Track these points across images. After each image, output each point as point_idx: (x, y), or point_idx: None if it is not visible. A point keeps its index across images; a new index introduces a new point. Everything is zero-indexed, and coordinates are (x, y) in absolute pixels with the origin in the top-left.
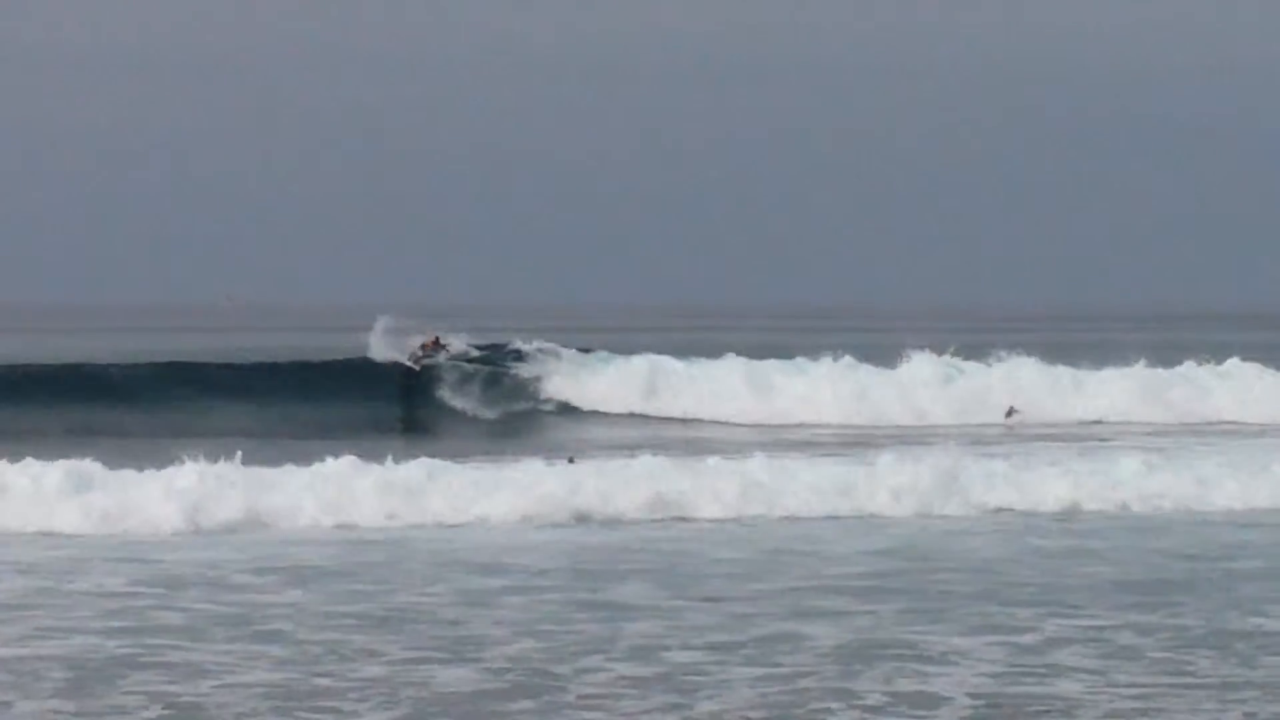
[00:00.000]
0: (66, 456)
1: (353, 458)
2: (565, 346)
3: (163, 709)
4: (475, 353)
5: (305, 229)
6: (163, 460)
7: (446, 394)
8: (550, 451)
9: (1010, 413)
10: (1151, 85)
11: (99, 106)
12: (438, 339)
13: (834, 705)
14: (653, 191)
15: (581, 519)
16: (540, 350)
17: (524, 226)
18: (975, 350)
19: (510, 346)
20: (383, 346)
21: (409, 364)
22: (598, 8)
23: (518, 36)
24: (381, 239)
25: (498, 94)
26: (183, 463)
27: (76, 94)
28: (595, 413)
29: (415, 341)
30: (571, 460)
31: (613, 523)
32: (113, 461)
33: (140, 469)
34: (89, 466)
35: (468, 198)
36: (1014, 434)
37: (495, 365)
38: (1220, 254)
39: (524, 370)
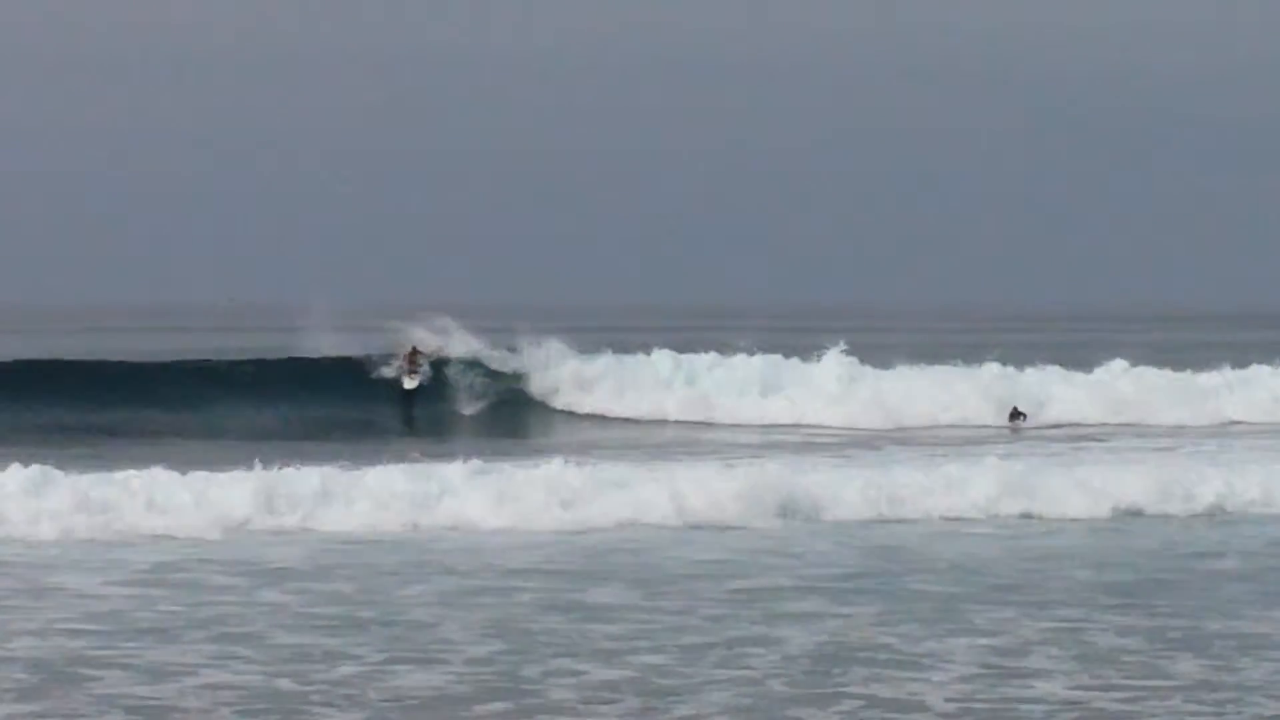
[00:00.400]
0: (50, 455)
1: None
2: (565, 346)
3: (124, 714)
4: (475, 345)
5: (306, 229)
6: (157, 459)
7: (441, 394)
8: (544, 453)
9: (1014, 415)
10: (1156, 84)
11: (100, 106)
12: (415, 349)
13: (807, 710)
14: (653, 191)
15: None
16: (539, 349)
17: (524, 226)
18: (978, 351)
19: (507, 345)
20: (328, 341)
21: (406, 386)
22: (598, 8)
23: (518, 37)
24: (382, 239)
25: (498, 94)
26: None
27: (77, 94)
28: (589, 413)
29: (398, 357)
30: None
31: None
32: (83, 463)
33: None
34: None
35: (469, 198)
36: (1019, 437)
37: (490, 365)
38: (1225, 255)
39: (522, 369)
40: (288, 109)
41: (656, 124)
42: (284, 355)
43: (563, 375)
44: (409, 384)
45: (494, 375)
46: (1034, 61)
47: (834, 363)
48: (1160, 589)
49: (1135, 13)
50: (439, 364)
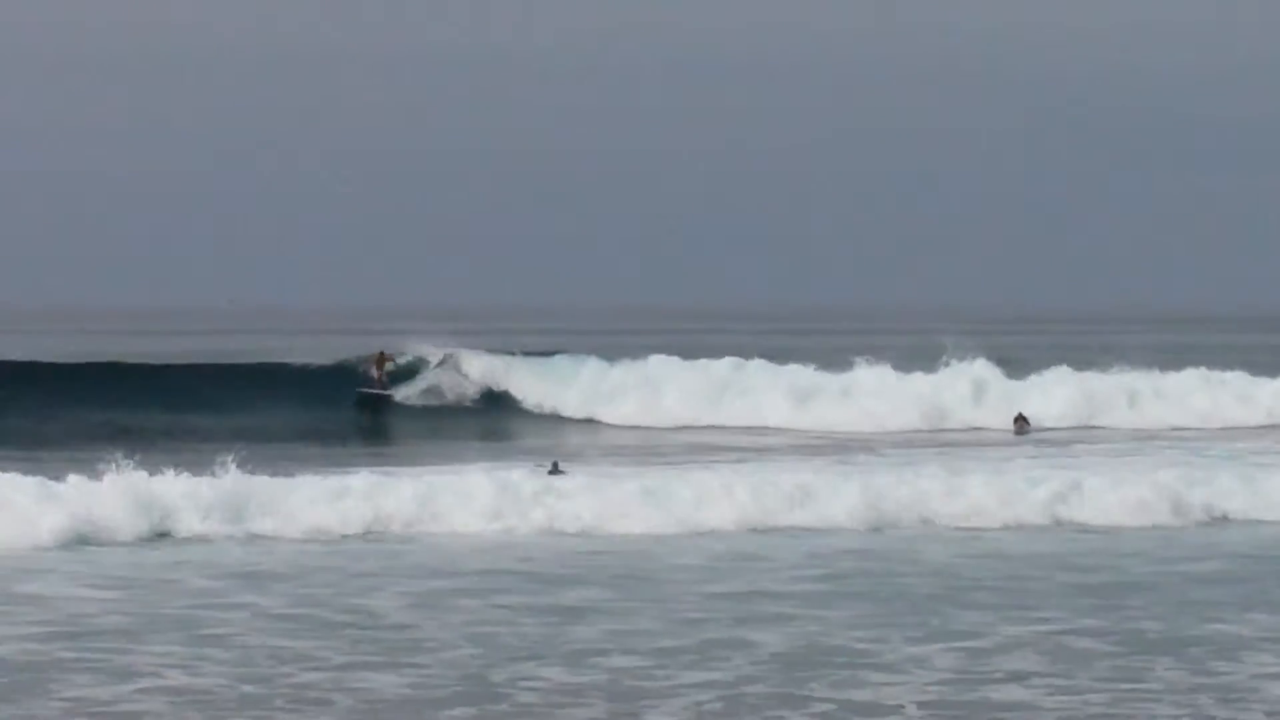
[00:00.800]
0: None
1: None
2: (576, 349)
3: (85, 719)
4: (438, 358)
5: (306, 229)
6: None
7: (416, 399)
8: (528, 457)
9: (1018, 420)
10: (1157, 84)
11: (100, 108)
12: (383, 353)
13: (778, 713)
14: (653, 192)
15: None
16: (568, 359)
17: (525, 227)
18: (982, 354)
19: (521, 350)
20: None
21: (376, 390)
22: (598, 8)
23: (518, 37)
24: (382, 239)
25: (498, 94)
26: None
27: (77, 94)
28: (556, 416)
29: (369, 364)
30: (556, 467)
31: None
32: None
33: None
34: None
35: (469, 198)
36: (1024, 441)
37: (457, 372)
38: (1225, 255)
39: (487, 375)
40: (288, 109)
41: (657, 124)
42: (272, 360)
43: (582, 385)
44: (378, 390)
45: (452, 379)
46: (1034, 61)
47: (866, 372)
48: (1141, 592)
49: (1135, 13)
50: (417, 369)
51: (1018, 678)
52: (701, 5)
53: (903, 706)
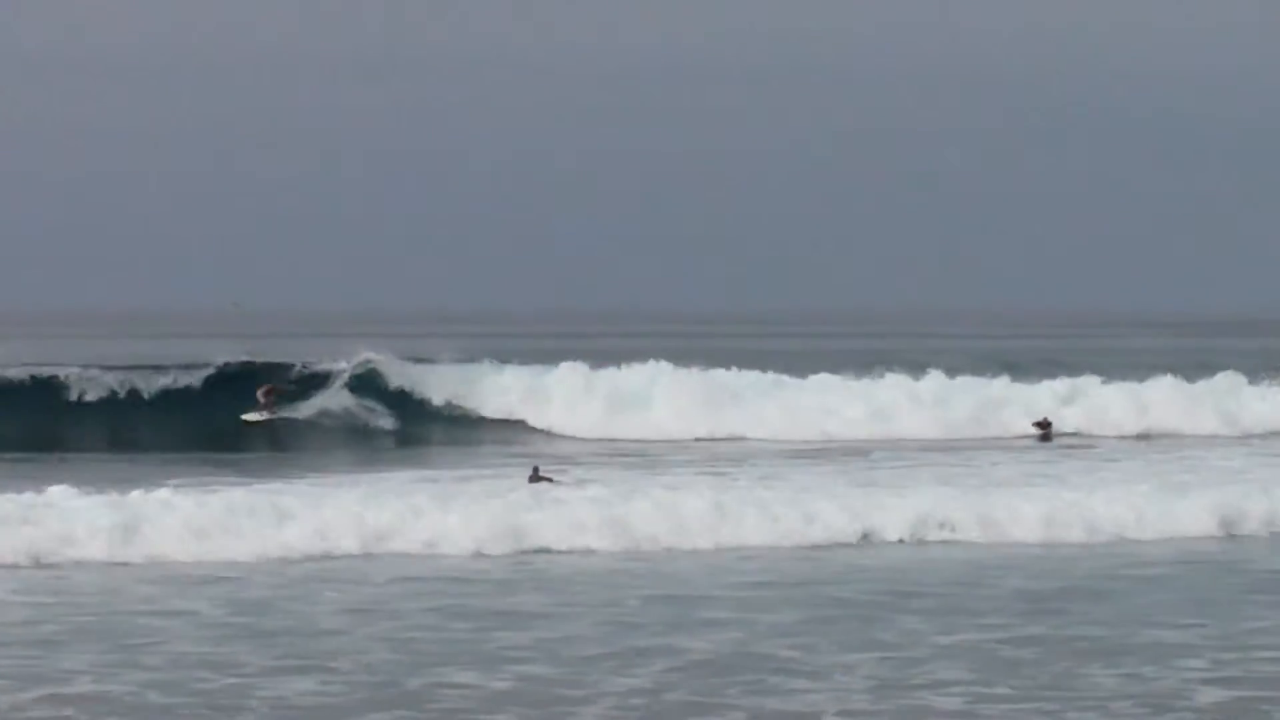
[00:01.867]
0: None
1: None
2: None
3: None
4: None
5: (310, 231)
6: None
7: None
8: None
9: (1040, 425)
10: (1157, 84)
11: (101, 110)
12: (273, 386)
13: None
14: (654, 193)
15: None
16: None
17: (527, 229)
18: (992, 359)
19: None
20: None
21: (258, 415)
22: (599, 8)
23: (517, 40)
24: (385, 244)
25: (500, 98)
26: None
27: (80, 98)
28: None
29: (261, 392)
30: (537, 473)
31: None
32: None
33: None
34: None
35: (469, 199)
36: (1045, 446)
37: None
38: (1225, 256)
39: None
40: (289, 110)
41: (657, 124)
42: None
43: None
44: (253, 416)
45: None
46: (1035, 62)
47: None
48: (1079, 599)
49: (1136, 13)
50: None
51: (941, 686)
52: (703, 6)
53: (818, 714)
